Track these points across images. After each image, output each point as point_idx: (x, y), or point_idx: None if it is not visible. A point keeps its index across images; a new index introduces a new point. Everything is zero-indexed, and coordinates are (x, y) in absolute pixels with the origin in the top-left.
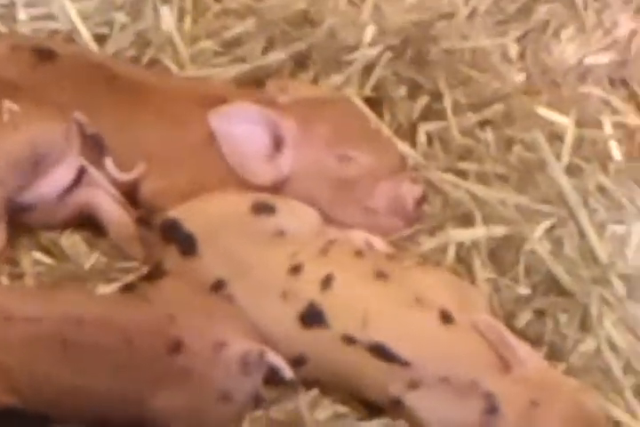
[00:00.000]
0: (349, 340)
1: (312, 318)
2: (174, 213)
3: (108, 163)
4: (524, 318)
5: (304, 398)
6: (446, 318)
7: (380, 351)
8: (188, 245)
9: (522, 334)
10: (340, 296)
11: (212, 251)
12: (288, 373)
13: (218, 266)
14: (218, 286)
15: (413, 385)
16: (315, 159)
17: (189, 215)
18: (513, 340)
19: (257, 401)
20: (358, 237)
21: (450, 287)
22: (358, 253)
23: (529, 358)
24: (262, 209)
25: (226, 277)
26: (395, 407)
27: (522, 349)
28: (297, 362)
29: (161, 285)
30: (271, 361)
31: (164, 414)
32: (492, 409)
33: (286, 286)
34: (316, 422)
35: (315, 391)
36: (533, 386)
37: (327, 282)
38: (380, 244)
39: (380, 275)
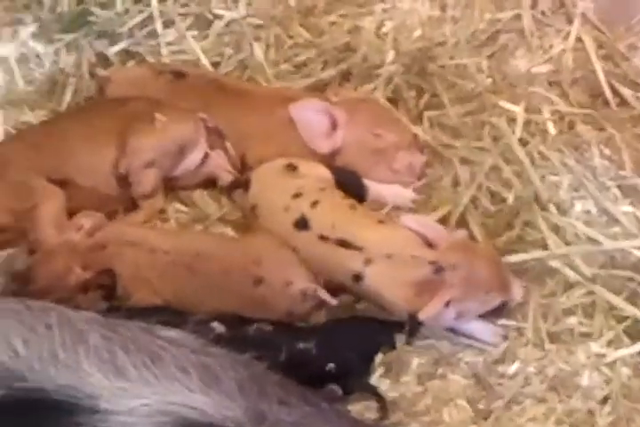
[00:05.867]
0: (323, 238)
1: (301, 224)
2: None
3: (228, 145)
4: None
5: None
6: (381, 221)
7: (343, 243)
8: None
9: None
10: (321, 212)
11: (253, 192)
12: (333, 301)
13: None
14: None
15: (368, 262)
16: (358, 136)
17: (255, 172)
18: (434, 224)
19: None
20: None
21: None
22: (344, 197)
23: (447, 236)
24: (290, 167)
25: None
26: (357, 282)
27: (442, 231)
28: None
29: (256, 234)
30: (321, 295)
31: None
32: (439, 269)
33: (288, 204)
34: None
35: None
36: (455, 250)
37: (315, 204)
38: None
39: (352, 207)
